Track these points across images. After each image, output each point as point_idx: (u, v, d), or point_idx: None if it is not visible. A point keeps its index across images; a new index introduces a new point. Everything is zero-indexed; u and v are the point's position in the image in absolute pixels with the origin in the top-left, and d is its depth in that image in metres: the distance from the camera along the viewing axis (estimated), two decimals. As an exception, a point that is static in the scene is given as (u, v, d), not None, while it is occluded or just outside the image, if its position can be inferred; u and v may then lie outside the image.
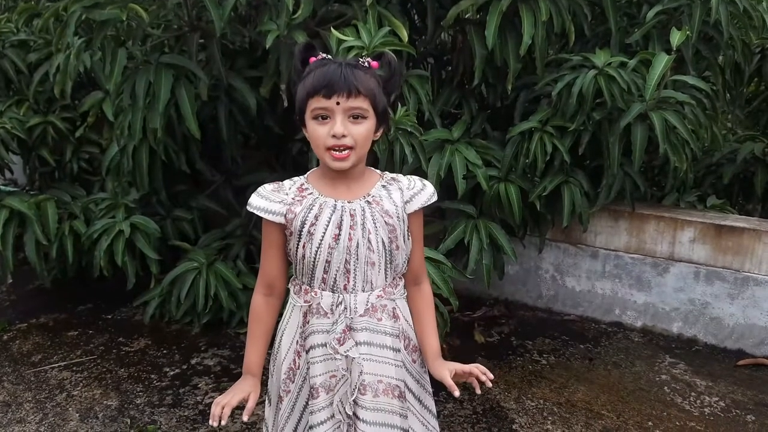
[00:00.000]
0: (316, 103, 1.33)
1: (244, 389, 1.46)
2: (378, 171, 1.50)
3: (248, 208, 1.43)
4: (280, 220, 1.41)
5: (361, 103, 1.33)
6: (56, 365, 2.80)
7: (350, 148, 1.34)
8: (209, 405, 2.50)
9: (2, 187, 3.49)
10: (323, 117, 1.33)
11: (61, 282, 3.46)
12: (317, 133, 1.34)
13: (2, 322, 3.16)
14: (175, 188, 3.41)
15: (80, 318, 3.27)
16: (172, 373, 2.76)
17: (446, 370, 1.45)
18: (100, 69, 3.22)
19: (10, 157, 3.46)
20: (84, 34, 2.97)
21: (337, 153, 1.34)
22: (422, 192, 1.48)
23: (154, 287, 3.22)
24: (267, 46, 2.55)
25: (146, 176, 3.10)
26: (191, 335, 3.09)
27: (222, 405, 1.40)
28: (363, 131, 1.34)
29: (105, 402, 2.54)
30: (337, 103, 1.31)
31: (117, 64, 2.79)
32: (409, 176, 1.52)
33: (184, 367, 2.80)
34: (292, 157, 3.48)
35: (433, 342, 1.53)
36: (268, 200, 1.42)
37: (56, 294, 3.46)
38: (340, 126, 1.31)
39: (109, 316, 3.29)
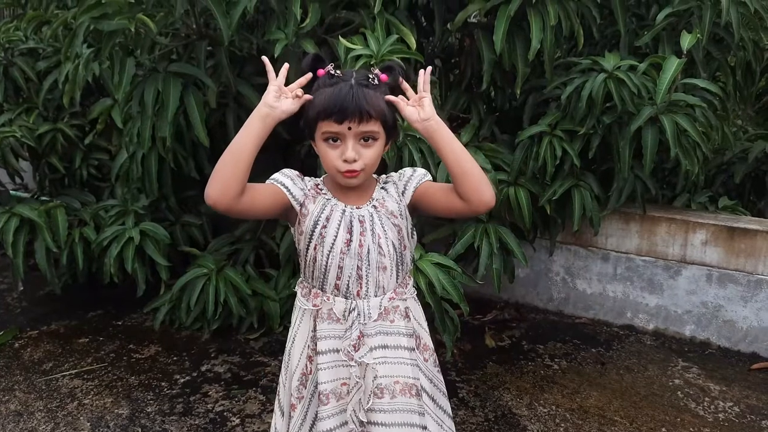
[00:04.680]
0: (327, 126, 1.34)
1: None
2: (375, 176, 1.52)
3: (271, 180, 1.45)
4: (296, 205, 1.43)
5: (373, 126, 1.34)
6: (67, 373, 2.81)
7: (361, 170, 1.36)
8: (219, 413, 2.51)
9: (13, 193, 3.51)
10: (334, 140, 1.35)
11: (71, 288, 3.47)
12: (329, 156, 1.37)
13: (13, 330, 3.18)
14: (184, 194, 3.42)
15: (91, 324, 3.27)
16: (182, 380, 2.76)
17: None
18: (108, 77, 3.23)
19: (20, 164, 3.48)
20: (93, 43, 2.98)
21: (348, 173, 1.36)
22: (413, 176, 1.51)
23: (164, 293, 3.23)
24: (275, 55, 2.54)
25: (155, 183, 3.11)
26: (201, 341, 3.09)
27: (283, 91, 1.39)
28: (373, 154, 1.37)
29: (116, 410, 2.54)
30: (349, 128, 1.32)
31: (125, 73, 2.79)
32: (399, 171, 1.54)
33: (195, 374, 2.81)
34: (300, 161, 3.47)
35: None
36: (292, 181, 1.45)
37: (67, 300, 3.48)
38: (351, 152, 1.33)
39: (120, 323, 3.30)
